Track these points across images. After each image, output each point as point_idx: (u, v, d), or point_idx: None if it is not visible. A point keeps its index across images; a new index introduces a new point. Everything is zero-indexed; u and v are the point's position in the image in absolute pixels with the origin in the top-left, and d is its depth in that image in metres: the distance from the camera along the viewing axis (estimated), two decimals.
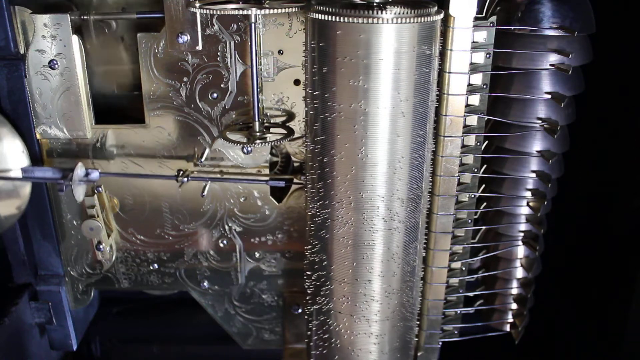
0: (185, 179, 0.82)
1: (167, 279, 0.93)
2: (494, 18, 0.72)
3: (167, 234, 0.90)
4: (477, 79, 0.74)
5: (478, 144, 0.77)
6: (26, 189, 0.83)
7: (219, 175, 0.86)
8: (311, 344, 0.82)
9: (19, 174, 0.81)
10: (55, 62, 0.79)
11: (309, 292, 0.78)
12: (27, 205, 0.85)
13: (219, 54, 0.80)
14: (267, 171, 0.86)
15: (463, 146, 0.77)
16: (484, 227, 0.84)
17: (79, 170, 0.79)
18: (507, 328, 0.91)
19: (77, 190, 0.79)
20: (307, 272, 0.78)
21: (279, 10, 0.72)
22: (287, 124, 0.83)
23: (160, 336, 1.15)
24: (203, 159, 0.84)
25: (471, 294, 0.88)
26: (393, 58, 0.63)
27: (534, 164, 0.79)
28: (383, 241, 0.71)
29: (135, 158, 0.85)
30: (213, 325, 0.97)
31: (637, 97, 0.90)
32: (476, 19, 0.70)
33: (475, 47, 0.72)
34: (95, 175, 0.80)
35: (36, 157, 0.84)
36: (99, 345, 1.15)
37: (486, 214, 0.85)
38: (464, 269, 0.85)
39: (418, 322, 0.84)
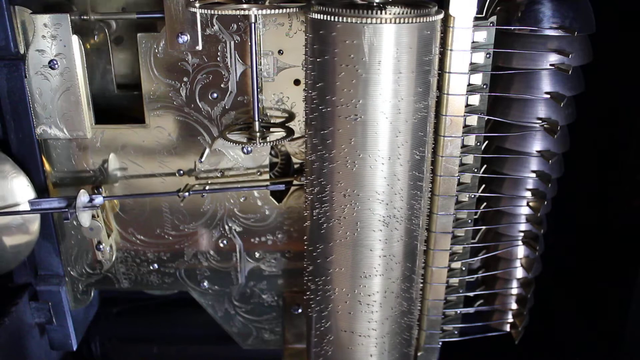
0: (187, 194, 0.82)
1: (167, 279, 0.93)
2: (494, 18, 0.72)
3: (167, 234, 0.90)
4: (477, 79, 0.74)
5: (478, 144, 0.77)
6: (35, 224, 0.84)
7: (219, 176, 0.86)
8: (311, 344, 0.82)
9: (27, 207, 0.82)
10: (55, 62, 0.79)
11: (309, 292, 0.78)
12: (36, 240, 0.85)
13: (219, 54, 0.80)
14: (267, 170, 0.86)
15: (463, 146, 0.77)
16: (484, 227, 0.84)
17: (82, 197, 0.79)
18: (507, 328, 0.91)
19: (82, 216, 0.79)
20: (307, 272, 0.78)
21: (279, 10, 0.72)
22: (287, 124, 0.83)
23: (160, 336, 1.15)
24: (203, 159, 0.84)
25: (471, 294, 0.88)
26: (393, 58, 0.63)
27: (534, 164, 0.79)
28: (383, 241, 0.71)
29: (135, 158, 0.85)
30: (213, 325, 0.97)
31: (637, 97, 0.90)
32: (476, 19, 0.70)
33: (475, 47, 0.72)
34: (99, 200, 0.81)
35: (37, 162, 0.84)
36: (99, 345, 1.15)
37: (486, 214, 0.85)
38: (464, 269, 0.85)
39: (418, 322, 0.84)
